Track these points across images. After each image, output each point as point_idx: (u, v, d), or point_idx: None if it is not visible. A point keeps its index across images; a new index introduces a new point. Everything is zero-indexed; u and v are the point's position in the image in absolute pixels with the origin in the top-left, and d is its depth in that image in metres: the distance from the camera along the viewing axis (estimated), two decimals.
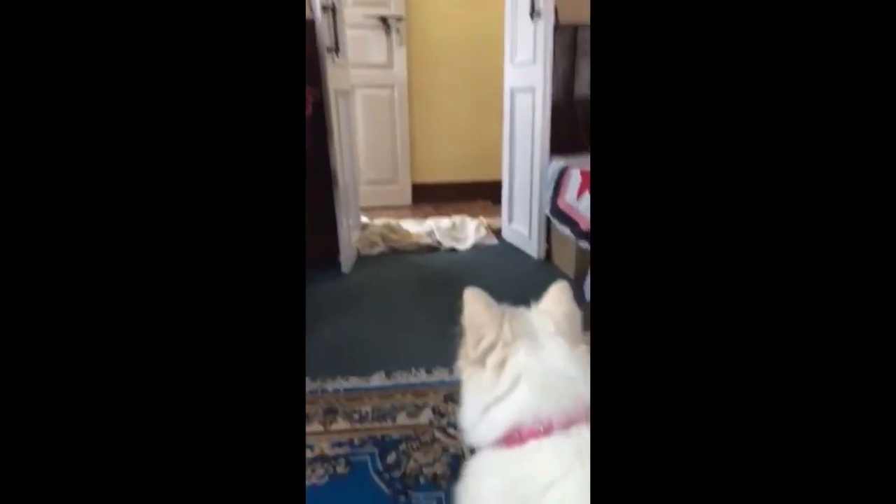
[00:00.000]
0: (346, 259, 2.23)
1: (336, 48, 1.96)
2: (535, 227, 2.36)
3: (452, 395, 1.28)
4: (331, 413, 1.22)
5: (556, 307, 0.71)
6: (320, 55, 1.90)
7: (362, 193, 3.42)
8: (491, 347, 0.66)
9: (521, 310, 0.73)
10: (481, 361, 0.66)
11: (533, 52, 2.18)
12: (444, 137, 3.53)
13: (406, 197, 3.56)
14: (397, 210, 3.44)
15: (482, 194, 3.61)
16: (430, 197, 3.60)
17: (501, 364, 0.64)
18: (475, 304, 0.70)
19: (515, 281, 2.15)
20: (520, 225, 2.52)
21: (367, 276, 2.22)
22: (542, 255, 2.36)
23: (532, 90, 2.22)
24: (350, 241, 2.30)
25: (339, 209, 2.13)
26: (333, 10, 1.91)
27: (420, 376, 1.38)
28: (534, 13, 2.09)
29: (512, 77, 2.41)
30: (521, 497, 0.57)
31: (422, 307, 1.88)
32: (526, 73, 2.27)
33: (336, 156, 2.06)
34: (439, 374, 1.38)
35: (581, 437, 0.57)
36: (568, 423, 0.59)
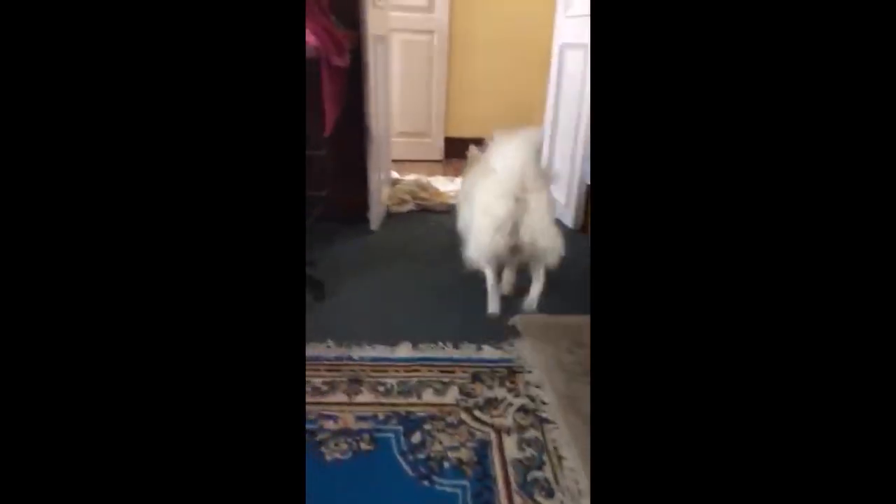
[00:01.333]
0: (376, 216, 2.16)
1: None
2: (573, 195, 2.24)
3: (480, 375, 1.24)
4: (355, 383, 1.19)
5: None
6: None
7: (393, 146, 3.32)
8: None
9: None
10: None
11: (590, 5, 2.00)
12: (482, 90, 3.36)
13: (439, 151, 3.44)
14: (429, 165, 3.33)
15: None
16: (463, 152, 3.47)
17: None
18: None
19: None
20: (557, 191, 2.40)
21: (395, 235, 2.16)
22: (579, 225, 2.26)
23: (585, 47, 2.05)
24: (380, 198, 2.22)
25: (370, 165, 2.05)
26: None
27: (448, 350, 1.33)
28: None
29: (563, 31, 2.23)
30: None
31: (450, 272, 1.82)
32: (580, 27, 2.09)
33: (371, 107, 1.96)
34: (466, 350, 1.34)
35: None
36: None
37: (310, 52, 1.54)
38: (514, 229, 1.34)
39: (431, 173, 3.17)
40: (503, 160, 1.35)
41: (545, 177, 1.44)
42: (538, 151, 1.40)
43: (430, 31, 3.13)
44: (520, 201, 1.32)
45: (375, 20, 1.90)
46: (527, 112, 3.29)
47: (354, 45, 1.87)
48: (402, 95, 3.24)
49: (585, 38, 2.04)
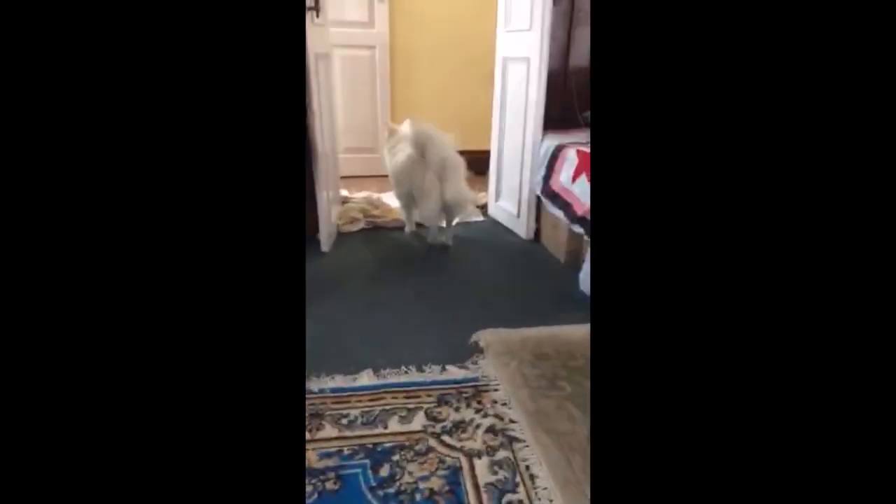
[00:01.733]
0: (326, 237, 2.11)
1: (317, 7, 1.77)
2: (524, 206, 2.27)
3: (446, 398, 1.21)
4: (316, 418, 1.14)
5: None
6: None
7: (342, 161, 3.26)
8: None
9: None
10: None
11: (529, 20, 2.04)
12: (427, 104, 3.36)
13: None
14: (378, 181, 3.29)
15: (466, 165, 3.50)
16: None
17: None
18: None
19: (503, 261, 2.08)
20: (508, 202, 2.42)
21: (348, 256, 2.11)
22: (531, 235, 2.28)
23: (527, 60, 2.09)
24: (330, 217, 2.17)
25: (318, 184, 1.99)
26: None
27: (411, 374, 1.30)
28: None
29: (505, 45, 2.26)
30: None
31: (406, 290, 1.79)
32: (520, 41, 2.13)
33: (316, 125, 1.91)
34: (431, 373, 1.31)
35: None
36: None
37: None
38: (441, 196, 2.08)
39: (381, 189, 3.13)
40: (431, 154, 2.08)
41: (455, 157, 2.15)
42: (452, 144, 2.16)
43: (372, 47, 3.11)
44: (443, 179, 2.08)
45: (316, 38, 1.85)
46: (473, 123, 3.32)
47: None
48: (347, 111, 3.19)
49: (525, 51, 2.08)
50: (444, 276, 1.95)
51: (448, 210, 2.14)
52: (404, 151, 2.19)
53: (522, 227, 2.31)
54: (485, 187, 2.71)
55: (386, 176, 3.38)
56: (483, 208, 2.65)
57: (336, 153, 2.41)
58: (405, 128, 2.30)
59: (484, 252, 2.19)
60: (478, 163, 3.21)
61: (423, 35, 3.20)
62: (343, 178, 3.25)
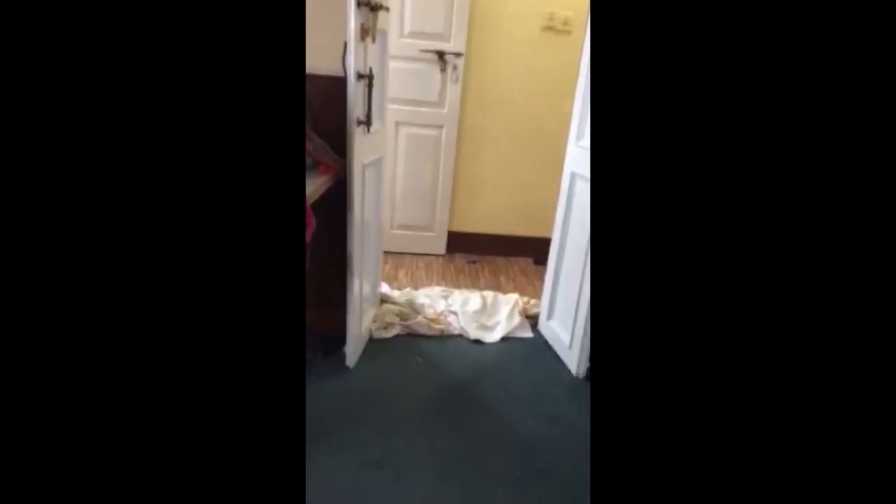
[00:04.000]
0: (353, 350, 1.94)
1: (368, 121, 1.65)
2: (578, 336, 2.00)
3: None
4: None
5: None
6: (349, 127, 1.60)
7: (394, 237, 3.14)
8: None
9: None
10: None
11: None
12: (490, 184, 3.19)
13: (441, 245, 3.25)
14: (425, 259, 3.14)
15: (523, 250, 3.27)
16: (466, 247, 3.28)
17: None
18: None
19: (545, 412, 1.80)
20: (560, 327, 2.16)
21: (377, 375, 1.92)
22: (583, 373, 2.00)
23: None
24: (360, 327, 2.01)
25: (351, 297, 1.84)
26: (370, 78, 1.59)
27: None
28: None
29: (575, 160, 2.04)
30: None
31: (422, 444, 1.57)
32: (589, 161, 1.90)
33: (354, 237, 1.76)
34: None
35: None
36: None
37: None
38: None
39: (429, 269, 2.97)
40: None
41: None
42: None
43: (440, 126, 2.99)
44: None
45: (364, 150, 1.73)
46: (537, 208, 3.11)
47: (341, 174, 1.70)
48: (407, 187, 3.08)
49: None
50: (472, 426, 1.71)
51: None
52: None
53: (574, 361, 2.03)
54: (539, 289, 2.47)
55: (434, 255, 3.26)
56: (533, 319, 2.40)
57: (379, 254, 2.26)
58: None
59: (523, 387, 1.93)
60: (538, 251, 2.99)
61: (494, 117, 3.05)
62: (392, 253, 3.15)
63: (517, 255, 3.31)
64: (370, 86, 1.58)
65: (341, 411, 1.71)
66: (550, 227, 2.23)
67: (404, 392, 1.85)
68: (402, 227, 3.16)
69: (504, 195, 3.21)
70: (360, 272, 1.88)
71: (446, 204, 3.15)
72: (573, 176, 2.04)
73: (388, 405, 1.78)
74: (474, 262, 3.17)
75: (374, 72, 1.61)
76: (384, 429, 1.65)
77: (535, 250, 3.22)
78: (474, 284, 2.86)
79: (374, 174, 1.96)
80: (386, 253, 3.15)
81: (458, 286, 2.81)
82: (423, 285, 2.80)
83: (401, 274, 2.90)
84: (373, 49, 1.62)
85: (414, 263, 3.07)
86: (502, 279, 2.96)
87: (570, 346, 2.06)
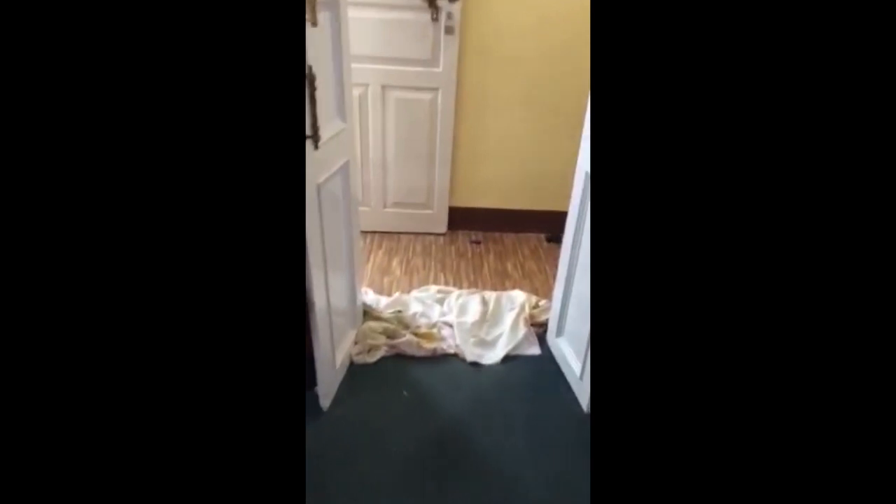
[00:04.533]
0: (326, 392, 1.68)
1: (315, 136, 1.25)
2: (588, 367, 1.69)
3: None
4: None
5: None
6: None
7: (387, 216, 2.80)
8: None
9: None
10: None
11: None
12: (495, 156, 2.76)
13: (441, 223, 2.89)
14: (423, 238, 2.80)
15: (534, 226, 2.90)
16: (470, 224, 2.91)
17: None
18: None
19: (549, 460, 1.54)
20: (569, 348, 1.85)
21: (350, 421, 1.67)
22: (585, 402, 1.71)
23: None
24: (335, 361, 1.73)
25: (315, 336, 1.55)
26: (312, 84, 1.18)
27: None
28: None
29: (588, 159, 1.62)
30: None
31: (435, 486, 1.33)
32: None
33: (311, 273, 1.44)
34: None
35: None
36: None
37: None
38: None
39: (426, 251, 2.64)
40: None
41: None
42: None
43: (434, 89, 2.53)
44: None
45: (316, 169, 1.35)
46: (552, 179, 2.70)
47: None
48: (399, 162, 2.69)
49: None
50: (463, 493, 1.46)
51: None
52: None
53: (585, 394, 1.74)
54: (552, 276, 2.14)
55: (434, 234, 2.89)
56: (541, 328, 2.08)
57: (358, 267, 1.92)
58: None
59: (528, 439, 1.64)
60: (552, 226, 2.63)
61: (498, 76, 2.56)
62: (389, 233, 2.83)
63: (528, 230, 2.93)
64: (312, 95, 1.17)
65: (309, 471, 1.47)
66: (566, 199, 1.81)
67: (385, 442, 1.60)
68: (398, 204, 2.80)
69: (513, 166, 2.79)
70: (327, 322, 1.57)
71: (446, 178, 2.75)
72: (588, 176, 1.63)
73: (366, 460, 1.53)
74: (478, 243, 2.82)
75: (319, 68, 1.20)
76: (358, 495, 1.42)
77: (547, 226, 2.85)
78: (477, 273, 2.53)
79: (340, 181, 1.59)
80: (381, 234, 2.83)
81: (458, 276, 2.50)
82: (420, 275, 2.50)
83: (394, 263, 2.59)
84: (315, 36, 1.20)
85: (411, 248, 2.74)
86: (509, 266, 2.62)
87: (581, 378, 1.75)
